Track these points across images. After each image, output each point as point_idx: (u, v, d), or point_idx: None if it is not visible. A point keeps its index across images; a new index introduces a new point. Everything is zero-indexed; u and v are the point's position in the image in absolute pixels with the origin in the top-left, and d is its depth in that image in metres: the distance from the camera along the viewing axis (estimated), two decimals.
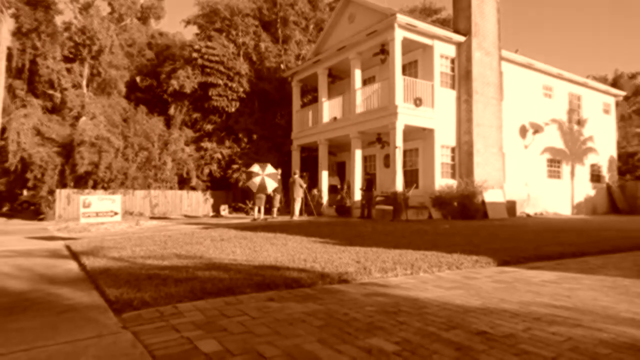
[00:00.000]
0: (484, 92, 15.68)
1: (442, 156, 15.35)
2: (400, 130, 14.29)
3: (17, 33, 20.64)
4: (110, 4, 26.32)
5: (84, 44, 21.15)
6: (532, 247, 6.45)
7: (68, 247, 6.92)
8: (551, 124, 19.24)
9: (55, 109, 21.14)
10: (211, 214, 20.57)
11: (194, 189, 21.34)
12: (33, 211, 20.45)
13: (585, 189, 20.78)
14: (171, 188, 20.77)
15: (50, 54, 20.63)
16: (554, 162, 19.64)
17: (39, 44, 20.64)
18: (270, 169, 14.53)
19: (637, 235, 8.38)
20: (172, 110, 21.80)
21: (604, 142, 21.92)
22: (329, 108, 18.01)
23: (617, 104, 24.69)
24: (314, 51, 19.81)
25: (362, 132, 16.11)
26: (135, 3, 27.24)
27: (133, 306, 3.07)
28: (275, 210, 15.55)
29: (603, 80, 32.46)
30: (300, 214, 15.55)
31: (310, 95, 22.91)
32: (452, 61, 15.91)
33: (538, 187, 18.50)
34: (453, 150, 15.75)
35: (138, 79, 24.54)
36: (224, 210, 19.96)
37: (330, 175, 19.86)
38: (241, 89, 21.46)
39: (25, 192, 23.32)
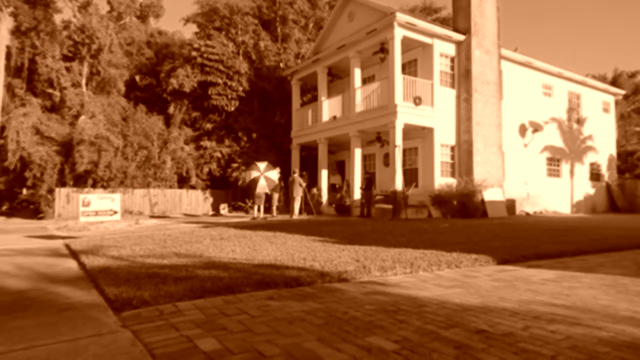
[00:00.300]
0: (483, 90, 15.67)
1: (441, 155, 15.35)
2: (399, 129, 14.29)
3: (16, 32, 20.61)
4: (109, 3, 26.30)
5: (83, 42, 21.12)
6: (531, 245, 6.45)
7: (67, 246, 6.93)
8: (551, 123, 19.24)
9: (54, 108, 21.13)
10: (211, 212, 20.57)
11: (193, 187, 21.34)
12: (32, 210, 20.45)
13: (584, 188, 20.80)
14: (171, 187, 20.76)
15: (50, 52, 20.61)
16: (554, 161, 19.65)
17: (38, 42, 20.62)
18: (269, 167, 14.54)
19: (636, 234, 8.39)
20: (171, 109, 21.79)
21: (603, 141, 21.93)
22: (329, 107, 18.00)
23: (617, 103, 24.69)
24: (314, 50, 19.79)
25: (361, 131, 16.10)
26: (134, 1, 27.23)
27: (132, 305, 3.07)
28: (274, 209, 15.55)
29: (602, 78, 32.47)
30: (300, 212, 15.56)
31: (310, 94, 22.89)
32: (452, 60, 15.90)
33: (537, 185, 18.51)
34: (452, 149, 15.75)
35: (137, 77, 24.52)
36: (224, 209, 19.97)
37: (332, 174, 19.90)
38: (240, 88, 21.45)
39: (24, 191, 23.32)
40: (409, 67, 16.16)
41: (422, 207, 14.62)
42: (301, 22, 25.24)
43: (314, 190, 17.76)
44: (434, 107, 15.14)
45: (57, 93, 20.99)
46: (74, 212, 16.84)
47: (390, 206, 13.63)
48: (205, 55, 20.96)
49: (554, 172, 19.58)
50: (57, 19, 22.93)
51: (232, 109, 21.49)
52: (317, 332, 2.50)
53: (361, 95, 16.24)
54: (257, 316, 2.82)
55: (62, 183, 18.49)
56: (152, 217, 17.60)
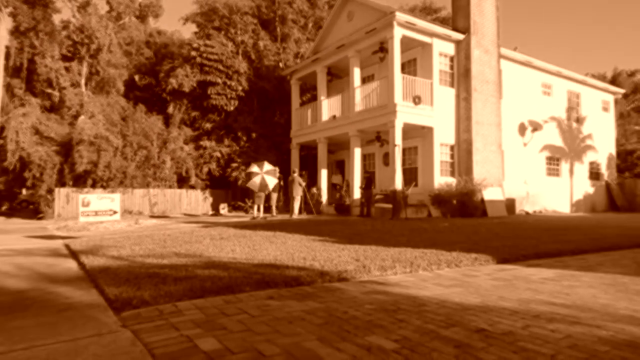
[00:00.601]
0: (483, 90, 15.68)
1: (441, 154, 15.35)
2: (399, 128, 14.29)
3: (15, 32, 20.59)
4: (108, 2, 26.27)
5: (83, 42, 21.10)
6: (531, 244, 6.46)
7: (67, 246, 6.92)
8: (550, 122, 19.25)
9: (53, 108, 21.11)
10: (210, 212, 20.57)
11: (193, 187, 21.34)
12: (32, 210, 20.45)
13: (584, 187, 20.81)
14: (170, 187, 20.76)
15: (49, 52, 20.59)
16: (553, 160, 19.65)
17: (37, 42, 20.59)
18: (268, 167, 14.54)
19: (636, 233, 8.39)
20: (171, 109, 21.78)
21: (603, 140, 21.94)
22: (328, 106, 17.99)
23: (616, 102, 24.69)
24: (313, 49, 19.79)
25: (361, 131, 16.10)
26: (133, 1, 27.20)
27: (132, 305, 3.07)
28: (274, 208, 15.55)
29: (602, 77, 32.48)
30: (300, 212, 15.56)
31: (309, 94, 22.89)
32: (451, 59, 15.90)
33: (537, 184, 18.52)
34: (452, 148, 15.75)
35: (137, 77, 24.50)
36: (223, 208, 19.96)
37: (334, 173, 19.93)
38: (240, 88, 21.44)
39: (24, 191, 23.31)
40: (408, 67, 16.16)
41: (421, 207, 14.63)
42: (300, 21, 25.23)
43: (314, 190, 17.76)
44: (433, 106, 15.14)
45: (56, 93, 20.97)
46: (73, 212, 16.83)
47: (389, 205, 13.63)
48: (204, 54, 20.95)
49: (553, 171, 19.59)
50: (56, 18, 23.03)
51: (232, 108, 21.49)
52: (317, 331, 2.50)
53: (361, 94, 16.24)
54: (257, 316, 2.82)
55: (61, 183, 18.48)
56: (152, 217, 17.60)
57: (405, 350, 2.17)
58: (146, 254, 5.57)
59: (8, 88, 20.74)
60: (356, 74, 16.44)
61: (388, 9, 15.00)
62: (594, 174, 21.62)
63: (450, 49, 15.75)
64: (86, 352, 2.23)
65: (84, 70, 21.58)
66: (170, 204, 20.62)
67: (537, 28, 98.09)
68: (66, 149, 18.53)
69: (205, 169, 21.13)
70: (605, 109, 22.75)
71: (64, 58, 21.36)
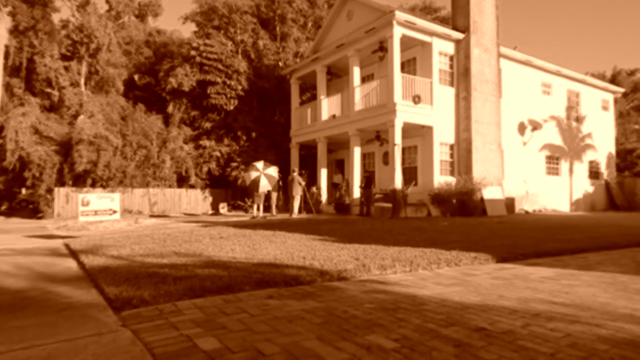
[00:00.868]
0: (482, 89, 15.67)
1: (440, 153, 15.35)
2: (399, 127, 14.29)
3: (14, 31, 20.56)
4: (107, 2, 26.27)
5: (82, 42, 21.08)
6: (530, 243, 6.46)
7: (67, 246, 6.92)
8: (550, 121, 19.25)
9: (53, 108, 21.10)
10: (210, 212, 20.57)
11: (192, 187, 21.33)
12: (32, 210, 20.42)
13: (583, 186, 20.82)
14: (170, 186, 20.75)
15: (48, 52, 20.57)
16: (553, 159, 19.66)
17: (36, 42, 20.58)
18: (268, 166, 14.54)
19: (635, 232, 8.40)
20: (170, 108, 21.76)
21: (602, 139, 21.95)
22: (328, 106, 17.99)
23: (616, 101, 24.70)
24: (312, 49, 19.78)
25: (360, 130, 16.10)
26: (132, 0, 27.19)
27: (132, 304, 3.07)
28: (274, 208, 15.55)
29: (601, 77, 32.47)
30: (299, 211, 15.56)
31: (309, 93, 22.88)
32: (451, 58, 15.89)
33: (537, 184, 18.53)
34: (452, 147, 15.75)
35: (136, 77, 24.49)
36: (223, 208, 19.96)
37: (334, 172, 19.94)
38: (240, 87, 21.42)
39: (23, 191, 23.28)
40: (408, 66, 16.15)
41: (421, 206, 14.64)
42: (300, 21, 25.21)
43: (314, 189, 17.76)
44: (433, 105, 15.14)
45: (55, 92, 20.96)
46: (73, 212, 16.82)
47: (389, 205, 13.64)
48: (204, 54, 20.93)
49: (553, 171, 19.60)
50: (56, 18, 22.99)
51: (231, 108, 21.48)
52: (316, 330, 2.50)
53: (360, 94, 16.24)
54: (257, 315, 2.82)
55: (61, 183, 18.47)
56: (152, 216, 17.60)
57: (405, 350, 2.17)
58: (146, 253, 5.57)
59: (7, 87, 20.72)
60: (356, 73, 16.43)
61: (388, 8, 14.99)
62: (594, 173, 21.64)
63: (450, 48, 15.74)
64: (86, 351, 2.23)
65: (84, 69, 21.56)
66: (170, 204, 20.61)
67: (537, 27, 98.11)
68: (66, 148, 18.51)
69: (205, 169, 21.12)
70: (605, 108, 22.76)
71: (63, 57, 21.34)
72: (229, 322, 2.67)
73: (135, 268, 4.43)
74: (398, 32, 14.48)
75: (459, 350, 2.15)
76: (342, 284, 3.82)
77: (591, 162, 21.45)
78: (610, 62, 76.01)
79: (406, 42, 15.16)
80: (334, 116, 17.46)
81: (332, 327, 2.56)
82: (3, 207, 24.12)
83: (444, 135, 15.42)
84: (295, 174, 15.46)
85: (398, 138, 14.26)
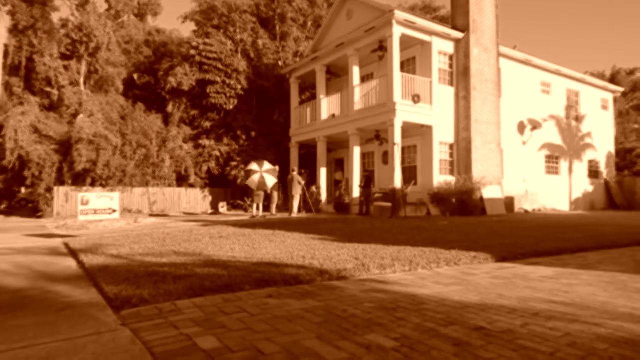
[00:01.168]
0: (482, 88, 15.67)
1: (440, 153, 15.36)
2: (398, 127, 14.29)
3: (14, 30, 20.55)
4: (107, 1, 26.25)
5: (81, 41, 21.06)
6: (530, 243, 6.47)
7: (66, 245, 6.92)
8: (549, 120, 19.26)
9: (52, 107, 21.08)
10: (210, 211, 20.56)
11: (192, 186, 21.32)
12: (31, 209, 20.40)
13: (583, 185, 20.84)
14: (169, 185, 20.74)
15: (47, 51, 20.55)
16: (552, 158, 19.67)
17: (35, 41, 20.56)
18: (268, 166, 14.53)
19: (635, 231, 8.40)
20: (170, 108, 21.74)
21: (602, 138, 21.96)
22: (327, 105, 17.99)
23: (615, 100, 24.72)
24: (312, 48, 19.77)
25: (360, 129, 16.10)
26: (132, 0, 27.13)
27: (132, 303, 3.07)
28: (274, 207, 15.55)
29: (601, 76, 32.45)
30: (299, 211, 15.56)
31: (309, 93, 22.87)
32: (451, 58, 15.89)
33: (536, 183, 18.54)
34: (451, 146, 15.75)
35: (136, 76, 24.46)
36: (223, 207, 19.96)
37: (335, 171, 19.95)
38: (239, 86, 21.41)
39: (23, 190, 23.26)
40: (407, 65, 16.15)
41: (421, 205, 14.64)
42: (300, 20, 25.19)
43: (313, 189, 17.76)
44: (432, 105, 15.14)
45: (55, 92, 20.94)
46: (72, 211, 16.81)
47: (389, 204, 13.64)
48: (203, 53, 20.92)
49: (552, 170, 19.61)
50: (55, 17, 22.93)
51: (231, 107, 21.47)
52: (316, 330, 2.50)
53: (360, 93, 16.23)
54: (257, 314, 2.82)
55: (60, 182, 18.45)
56: (151, 215, 17.59)
57: (405, 349, 2.18)
58: (145, 252, 5.57)
59: (7, 87, 20.71)
60: (355, 72, 16.43)
61: (387, 8, 14.98)
62: (593, 173, 21.65)
63: (449, 47, 15.74)
64: (85, 350, 2.23)
65: (83, 68, 21.54)
66: (170, 203, 20.60)
67: (537, 27, 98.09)
68: (65, 147, 18.50)
69: (205, 168, 21.11)
70: (605, 108, 22.77)
71: (63, 57, 21.32)
72: (229, 321, 2.67)
73: (134, 267, 4.43)
74: (398, 31, 14.48)
75: (459, 350, 2.16)
76: (341, 283, 3.82)
77: (591, 162, 21.46)
78: (609, 61, 76.08)
79: (406, 42, 15.15)
80: (333, 115, 17.46)
81: (332, 326, 2.57)
82: (2, 206, 24.11)
83: (443, 134, 15.42)
84: (295, 173, 15.45)
85: (398, 137, 14.26)
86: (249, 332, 2.45)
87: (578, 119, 20.80)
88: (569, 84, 20.58)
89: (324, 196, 17.88)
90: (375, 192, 14.88)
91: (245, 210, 19.23)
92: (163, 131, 20.76)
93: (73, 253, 5.93)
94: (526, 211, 17.25)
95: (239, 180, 19.83)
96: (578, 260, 5.21)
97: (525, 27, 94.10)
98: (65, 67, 21.12)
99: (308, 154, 20.96)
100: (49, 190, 18.21)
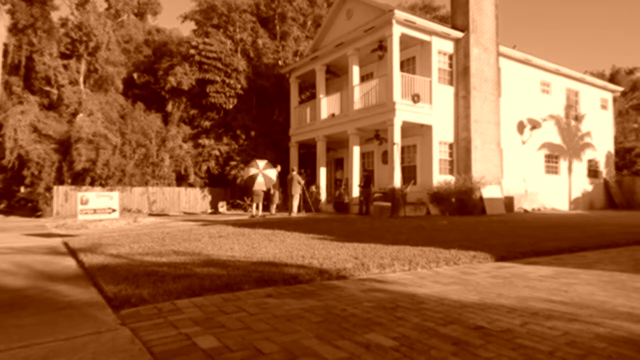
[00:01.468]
0: (481, 88, 15.68)
1: (440, 152, 15.36)
2: (398, 126, 14.30)
3: (13, 29, 20.54)
4: (106, 0, 26.18)
5: (81, 40, 21.03)
6: (529, 242, 6.47)
7: (66, 244, 6.92)
8: (549, 120, 19.27)
9: (52, 106, 21.05)
10: (209, 210, 20.56)
11: (192, 185, 21.31)
12: (30, 208, 20.40)
13: (582, 185, 20.85)
14: (169, 185, 20.73)
15: (47, 50, 20.53)
16: (552, 158, 19.68)
17: (35, 40, 20.54)
18: (268, 166, 14.52)
19: (634, 231, 8.41)
20: (169, 107, 21.73)
21: (601, 138, 21.98)
22: (327, 104, 17.98)
23: (615, 100, 24.72)
24: (312, 47, 19.76)
25: (360, 129, 16.10)
26: None
27: (131, 303, 3.07)
28: (273, 207, 15.54)
29: (600, 75, 32.47)
30: (299, 210, 15.55)
31: (308, 92, 22.87)
32: (450, 57, 15.89)
33: (536, 182, 18.55)
34: (451, 146, 15.76)
35: (135, 75, 24.44)
36: (222, 207, 19.95)
37: (335, 171, 19.97)
38: (239, 86, 21.40)
39: (22, 189, 23.25)
40: (407, 65, 16.15)
41: (420, 205, 14.64)
42: (300, 19, 25.18)
43: (313, 188, 17.76)
44: (432, 104, 15.14)
45: (54, 91, 20.92)
46: (72, 210, 16.80)
47: (388, 204, 13.64)
48: (203, 52, 20.91)
49: (552, 169, 19.62)
50: (55, 16, 22.99)
51: (231, 106, 21.46)
52: (315, 329, 2.50)
53: (359, 92, 16.23)
54: (256, 314, 2.82)
55: (60, 181, 18.44)
56: (151, 215, 17.59)
57: (404, 348, 2.18)
58: (145, 252, 5.57)
59: (6, 86, 20.70)
60: (355, 72, 16.43)
61: (387, 7, 14.98)
62: (593, 172, 21.66)
63: (449, 47, 15.74)
64: (85, 350, 2.23)
65: (83, 68, 21.52)
66: (169, 202, 20.60)
67: (536, 26, 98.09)
68: (65, 147, 18.49)
69: (204, 167, 21.11)
70: (604, 107, 22.78)
71: (63, 56, 21.30)
72: (228, 320, 2.67)
73: (134, 267, 4.43)
74: (397, 31, 14.48)
75: (458, 349, 2.16)
76: (341, 283, 3.83)
77: (590, 161, 21.48)
78: (609, 61, 76.13)
79: (405, 41, 15.15)
80: (333, 115, 17.46)
81: (331, 325, 2.57)
82: (2, 206, 24.11)
83: (443, 134, 15.43)
84: (295, 172, 15.45)
85: (397, 137, 14.26)
86: (248, 332, 2.45)
87: (577, 118, 20.81)
88: (569, 84, 20.58)
89: (323, 196, 17.88)
90: (375, 191, 14.88)
91: (245, 209, 19.23)
92: (162, 130, 20.75)
93: (72, 252, 5.93)
94: (525, 211, 17.26)
95: (238, 180, 19.82)
96: (577, 259, 5.22)
97: (525, 26, 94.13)
98: (65, 66, 21.10)
99: (307, 153, 20.96)
100: (49, 189, 18.19)
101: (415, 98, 14.68)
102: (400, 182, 14.27)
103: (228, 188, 22.01)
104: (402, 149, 15.25)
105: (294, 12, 24.40)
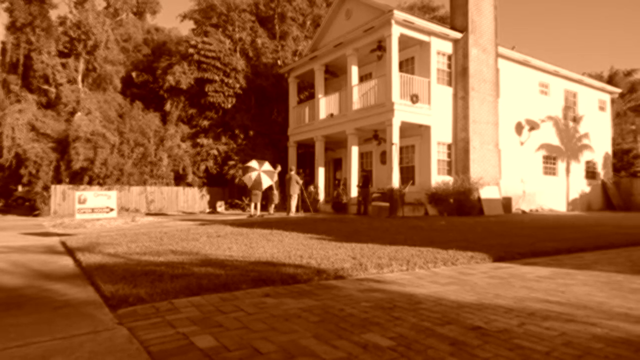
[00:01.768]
0: (480, 89, 15.70)
1: (438, 153, 15.38)
2: (396, 126, 14.31)
3: (11, 27, 20.49)
4: None
5: (79, 38, 20.99)
6: (527, 243, 6.48)
7: (63, 243, 6.90)
8: (547, 121, 19.31)
9: (50, 105, 21.00)
10: (207, 210, 20.54)
11: (190, 185, 21.29)
12: (28, 207, 20.36)
13: (580, 186, 20.90)
14: (167, 184, 20.70)
15: (45, 48, 20.47)
16: (550, 159, 19.73)
17: (33, 38, 20.48)
18: (267, 166, 14.51)
19: (631, 232, 8.43)
20: (168, 106, 21.70)
21: (599, 139, 22.03)
22: (326, 104, 17.98)
23: (613, 101, 24.79)
24: (311, 47, 19.76)
25: (358, 129, 16.10)
26: None
27: (129, 302, 3.06)
28: (272, 206, 15.53)
29: (599, 77, 32.54)
30: (297, 210, 15.55)
31: (307, 92, 22.87)
32: (449, 58, 15.91)
33: (534, 183, 18.59)
34: (449, 147, 15.78)
35: (134, 74, 24.40)
36: (220, 206, 19.94)
37: (333, 171, 19.99)
38: (237, 85, 21.39)
39: (20, 188, 23.21)
40: (406, 65, 16.16)
41: (418, 205, 14.66)
42: (299, 19, 25.19)
43: (311, 188, 17.76)
44: (431, 105, 15.16)
45: (52, 89, 20.86)
46: (69, 209, 16.76)
47: (387, 204, 13.65)
48: (202, 52, 20.89)
49: (550, 170, 19.66)
50: (53, 14, 22.92)
51: (229, 106, 21.44)
52: (313, 329, 2.50)
53: (358, 93, 16.24)
54: (254, 313, 2.82)
55: (57, 180, 18.39)
56: (149, 214, 17.56)
57: (401, 348, 2.18)
58: (142, 251, 5.56)
59: (4, 84, 20.64)
60: (354, 72, 16.43)
61: (386, 8, 14.99)
62: (590, 173, 21.72)
63: (448, 47, 15.76)
64: (82, 349, 2.23)
65: (81, 66, 21.47)
66: (167, 202, 20.57)
67: (535, 28, 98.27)
68: (62, 145, 18.44)
69: (203, 167, 21.08)
70: (602, 109, 22.84)
71: (61, 54, 21.24)
72: (226, 320, 2.67)
73: (131, 266, 4.42)
74: (396, 31, 14.49)
75: (455, 349, 2.16)
76: (339, 283, 3.83)
77: (588, 162, 21.53)
78: (607, 62, 76.36)
79: (404, 42, 15.16)
80: (331, 115, 17.46)
81: (329, 325, 2.57)
82: None
83: (441, 134, 15.45)
84: (293, 172, 15.44)
85: (396, 137, 14.28)
86: (246, 331, 2.45)
87: (576, 119, 20.86)
88: (567, 85, 20.63)
89: (321, 196, 17.88)
90: (373, 191, 14.88)
91: (243, 209, 19.22)
92: (161, 130, 20.72)
93: (70, 251, 5.91)
94: (523, 211, 17.29)
95: (237, 180, 19.81)
96: (574, 260, 5.23)
97: (524, 28, 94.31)
98: (63, 65, 21.05)
99: (306, 153, 20.96)
100: (46, 188, 18.15)
101: (414, 98, 14.69)
102: (398, 183, 14.28)
103: (226, 188, 21.99)
104: (401, 149, 15.26)
105: (293, 12, 24.40)
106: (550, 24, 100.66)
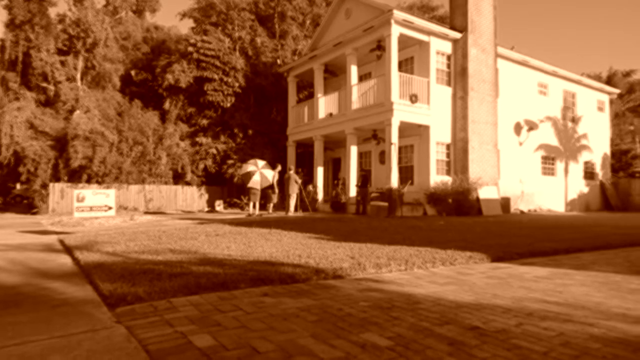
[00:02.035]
0: (479, 89, 15.71)
1: (437, 153, 15.39)
2: (395, 126, 14.31)
3: (10, 25, 20.41)
4: None
5: (79, 36, 20.93)
6: (525, 243, 6.49)
7: (62, 242, 6.89)
8: (546, 121, 19.33)
9: (49, 102, 20.94)
10: (206, 209, 20.52)
11: (188, 184, 21.27)
12: (26, 205, 20.31)
13: (578, 186, 20.94)
14: (166, 183, 20.68)
15: (44, 46, 20.40)
16: (548, 159, 19.75)
17: (32, 36, 20.41)
18: (267, 166, 14.50)
19: (629, 232, 8.45)
20: (167, 105, 21.67)
21: (597, 140, 22.07)
22: (325, 104, 17.98)
23: (611, 102, 24.83)
24: (310, 47, 19.75)
25: (357, 129, 16.10)
26: None
27: (127, 301, 3.06)
28: (271, 206, 15.52)
29: (597, 78, 32.58)
30: (296, 210, 15.54)
31: (306, 91, 22.86)
32: (448, 58, 15.92)
33: (532, 183, 18.62)
34: (448, 147, 15.79)
35: (133, 72, 24.35)
36: (219, 205, 19.92)
37: (333, 170, 20.01)
38: (237, 84, 21.36)
39: (18, 186, 23.14)
40: (405, 65, 16.16)
41: (417, 205, 14.66)
42: (299, 18, 25.16)
43: (310, 188, 17.75)
44: (430, 105, 15.16)
45: (51, 87, 20.80)
46: (68, 208, 16.74)
47: (385, 204, 13.65)
48: (201, 50, 20.86)
49: (548, 171, 19.69)
50: (52, 12, 22.83)
51: (228, 105, 21.42)
52: (311, 328, 2.50)
53: (357, 92, 16.24)
54: (252, 312, 2.82)
55: (56, 178, 18.36)
56: (147, 213, 17.53)
57: (399, 347, 2.18)
58: (141, 250, 5.55)
59: (3, 82, 20.56)
60: (353, 71, 16.43)
61: (386, 7, 14.99)
62: (589, 174, 21.76)
63: (447, 47, 15.77)
64: (80, 347, 2.22)
65: (80, 64, 21.42)
66: (166, 200, 20.55)
67: (534, 27, 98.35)
68: (61, 143, 18.40)
69: (201, 166, 21.06)
70: (601, 109, 22.88)
71: (60, 52, 21.18)
72: (224, 319, 2.67)
73: (130, 265, 4.42)
74: (396, 31, 14.49)
75: (453, 349, 2.16)
76: (337, 282, 3.83)
77: (586, 163, 21.56)
78: (606, 63, 76.45)
79: (404, 41, 15.16)
80: (331, 114, 17.45)
81: (327, 325, 2.57)
82: None
83: (440, 134, 15.45)
84: (292, 172, 15.42)
85: (395, 137, 14.28)
86: (244, 330, 2.45)
87: (574, 120, 20.89)
88: (566, 85, 20.66)
89: (320, 195, 17.88)
90: (372, 191, 14.89)
91: (242, 208, 19.21)
92: (160, 128, 20.69)
93: (68, 250, 5.91)
94: (522, 212, 17.31)
95: (235, 179, 19.80)
96: (572, 260, 5.24)
97: (523, 28, 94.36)
98: (62, 63, 20.99)
99: (305, 152, 20.96)
100: (45, 186, 18.11)
101: (413, 98, 14.69)
102: (397, 182, 14.29)
103: (225, 187, 21.97)
104: (400, 149, 15.26)
105: (293, 11, 24.38)
106: (549, 24, 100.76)
